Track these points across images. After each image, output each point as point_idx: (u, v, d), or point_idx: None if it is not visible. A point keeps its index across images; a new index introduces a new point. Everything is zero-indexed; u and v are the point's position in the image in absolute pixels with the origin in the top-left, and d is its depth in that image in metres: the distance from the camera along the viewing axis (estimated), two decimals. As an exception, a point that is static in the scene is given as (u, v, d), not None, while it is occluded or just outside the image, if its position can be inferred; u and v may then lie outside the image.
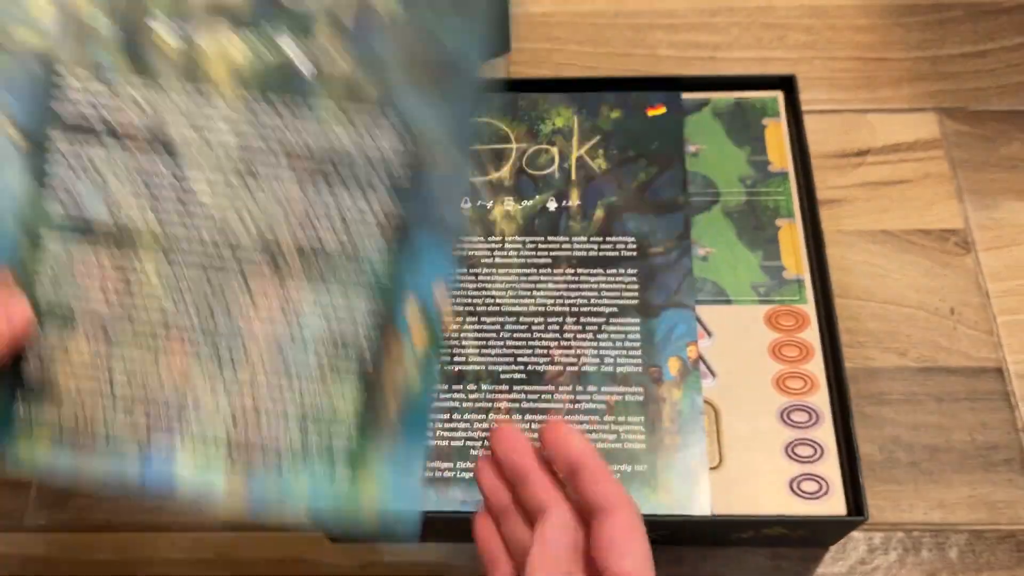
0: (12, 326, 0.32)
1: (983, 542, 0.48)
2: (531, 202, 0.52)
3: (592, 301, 0.49)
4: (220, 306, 0.33)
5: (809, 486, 0.44)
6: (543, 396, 0.47)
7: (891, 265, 0.56)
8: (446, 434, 0.46)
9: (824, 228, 0.51)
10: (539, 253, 0.51)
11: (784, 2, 0.67)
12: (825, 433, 0.46)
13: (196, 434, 0.33)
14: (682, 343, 0.48)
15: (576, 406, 0.46)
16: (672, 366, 0.47)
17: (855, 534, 0.49)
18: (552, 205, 0.52)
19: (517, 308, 0.49)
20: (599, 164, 0.52)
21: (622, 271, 0.50)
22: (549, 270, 0.50)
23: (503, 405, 0.46)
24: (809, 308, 0.49)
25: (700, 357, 0.47)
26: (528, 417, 0.46)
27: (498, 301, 0.49)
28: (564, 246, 0.51)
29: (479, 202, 0.52)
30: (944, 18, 0.66)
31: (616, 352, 0.48)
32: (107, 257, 0.34)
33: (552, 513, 0.32)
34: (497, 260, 0.50)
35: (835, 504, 0.44)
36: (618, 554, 0.30)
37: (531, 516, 0.34)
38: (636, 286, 0.49)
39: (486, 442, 0.43)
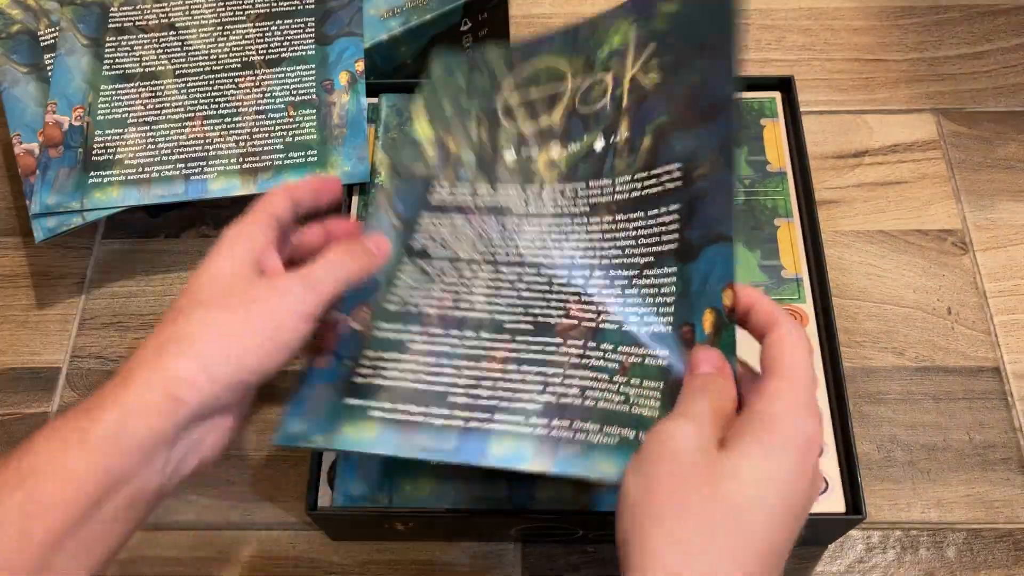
0: (381, 251, 0.42)
1: (980, 541, 0.48)
2: (578, 145, 0.46)
3: (627, 251, 0.43)
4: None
5: (807, 484, 0.44)
6: (547, 348, 0.41)
7: (888, 265, 0.56)
8: (428, 378, 0.41)
9: (822, 228, 0.51)
10: (577, 202, 0.45)
11: (782, 4, 0.67)
12: (823, 431, 0.46)
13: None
14: (717, 289, 0.39)
15: (582, 361, 0.40)
16: (706, 321, 0.39)
17: (853, 533, 0.49)
18: (599, 145, 0.46)
19: (540, 259, 0.44)
20: (651, 78, 0.45)
21: (664, 209, 0.42)
22: (585, 219, 0.45)
23: (499, 354, 0.41)
24: (807, 307, 0.49)
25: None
26: (524, 368, 0.41)
27: (521, 251, 0.45)
28: (606, 190, 0.45)
29: (523, 153, 0.47)
30: (941, 20, 0.66)
31: (645, 309, 0.41)
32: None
33: (697, 350, 0.37)
34: (531, 210, 0.46)
35: (833, 502, 0.44)
36: (776, 357, 0.35)
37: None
38: (677, 225, 0.41)
39: (469, 389, 0.40)
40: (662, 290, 0.41)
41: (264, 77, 0.57)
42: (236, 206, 0.60)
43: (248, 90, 0.56)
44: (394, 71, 0.60)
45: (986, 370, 0.53)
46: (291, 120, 0.55)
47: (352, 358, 0.42)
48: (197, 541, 0.49)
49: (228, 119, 0.55)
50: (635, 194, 0.44)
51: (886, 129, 0.62)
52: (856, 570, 0.48)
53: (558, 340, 0.41)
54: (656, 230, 0.42)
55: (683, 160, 0.42)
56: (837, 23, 0.67)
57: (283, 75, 0.57)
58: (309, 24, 0.59)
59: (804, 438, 0.32)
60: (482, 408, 0.39)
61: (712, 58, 0.41)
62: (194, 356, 0.34)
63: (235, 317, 0.35)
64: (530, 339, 0.42)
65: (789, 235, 0.52)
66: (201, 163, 0.54)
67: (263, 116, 0.55)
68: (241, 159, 0.54)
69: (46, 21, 0.59)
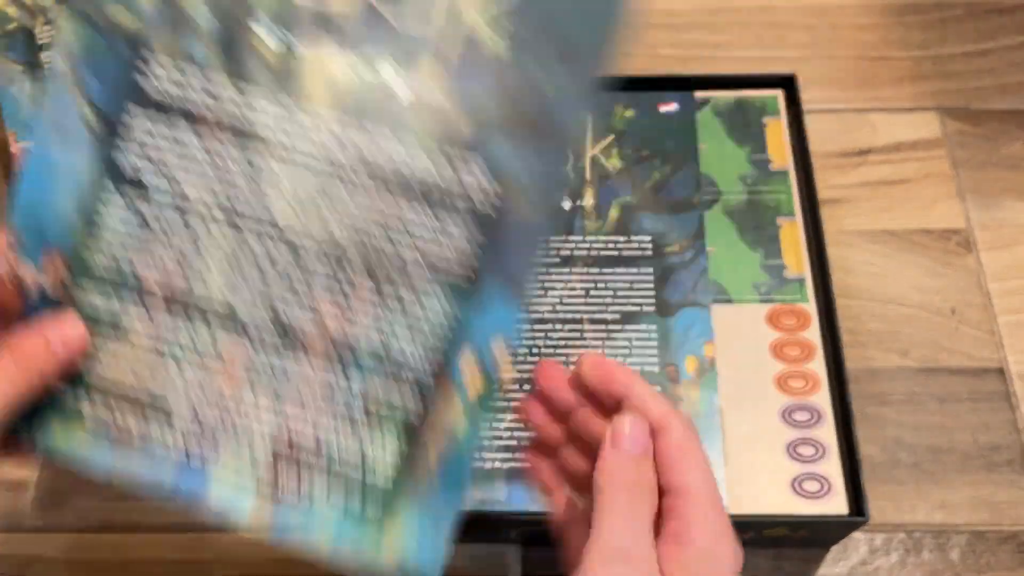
0: (68, 349, 0.32)
1: (985, 543, 0.48)
2: (372, 74, 0.35)
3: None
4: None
5: (811, 485, 0.44)
6: (291, 365, 0.34)
7: (892, 265, 0.56)
8: (149, 380, 0.33)
9: (825, 227, 0.50)
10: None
11: (785, 1, 0.67)
12: (827, 433, 0.45)
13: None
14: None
15: (328, 393, 0.34)
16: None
17: (856, 535, 0.48)
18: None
19: (296, 229, 0.34)
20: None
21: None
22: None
23: (235, 365, 0.33)
24: (810, 307, 0.49)
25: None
26: (261, 390, 0.34)
27: (273, 212, 0.34)
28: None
29: (287, 41, 0.33)
30: (945, 17, 0.66)
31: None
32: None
33: (623, 418, 0.32)
34: (293, 146, 0.35)
35: (837, 504, 0.44)
36: (676, 470, 0.31)
37: (585, 446, 0.35)
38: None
39: (196, 408, 0.33)
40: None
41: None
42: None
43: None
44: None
45: (991, 371, 0.53)
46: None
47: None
48: (196, 543, 0.49)
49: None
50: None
51: (890, 127, 0.61)
52: (859, 572, 0.48)
53: (304, 356, 0.33)
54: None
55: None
56: (840, 21, 0.66)
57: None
58: None
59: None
60: (208, 438, 0.33)
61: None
62: None
63: None
64: (273, 347, 0.33)
65: (791, 234, 0.51)
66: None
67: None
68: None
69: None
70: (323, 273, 0.32)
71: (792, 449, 0.45)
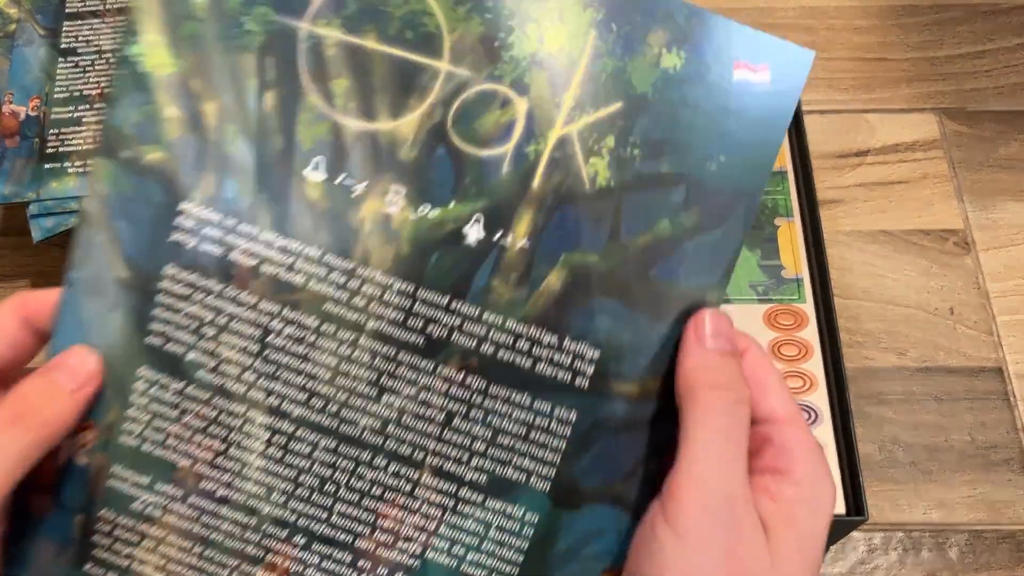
0: (79, 384, 0.28)
1: (983, 542, 0.48)
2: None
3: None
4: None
5: (808, 485, 0.44)
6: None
7: (890, 265, 0.56)
8: None
9: (823, 228, 0.51)
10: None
11: (783, 3, 0.67)
12: (824, 432, 0.46)
13: None
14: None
15: None
16: None
17: (855, 534, 0.48)
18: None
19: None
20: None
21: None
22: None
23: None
24: (808, 307, 0.49)
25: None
26: None
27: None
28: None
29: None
30: (943, 19, 0.66)
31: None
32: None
33: (702, 312, 0.28)
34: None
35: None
36: (764, 393, 0.27)
37: None
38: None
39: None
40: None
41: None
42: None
43: None
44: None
45: (988, 370, 0.53)
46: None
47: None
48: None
49: None
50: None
51: (888, 128, 0.61)
52: (858, 572, 0.48)
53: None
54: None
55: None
56: (838, 22, 0.66)
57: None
58: None
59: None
60: None
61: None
62: None
63: None
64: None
65: (789, 234, 0.51)
66: None
67: None
68: None
69: None
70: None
71: (790, 448, 0.45)
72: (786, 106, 0.28)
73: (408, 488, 0.28)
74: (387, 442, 0.28)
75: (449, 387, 0.28)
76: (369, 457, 0.28)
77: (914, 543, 0.48)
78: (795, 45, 0.28)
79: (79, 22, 0.58)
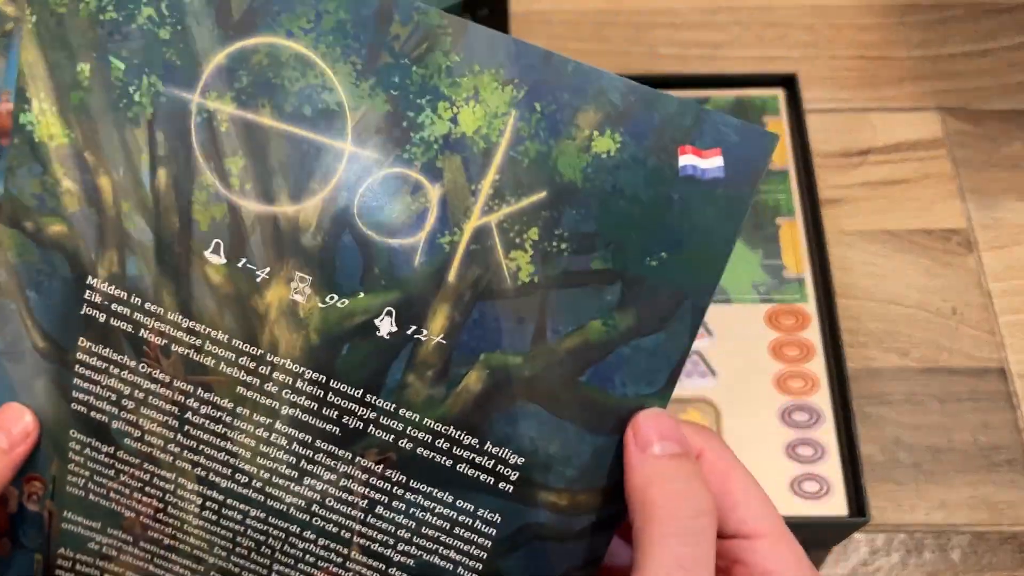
0: (12, 444, 0.27)
1: (985, 543, 0.48)
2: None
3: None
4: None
5: (810, 486, 0.44)
6: None
7: (892, 265, 0.56)
8: None
9: (825, 227, 0.50)
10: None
11: (785, 1, 0.67)
12: (826, 433, 0.45)
13: None
14: None
15: None
16: None
17: (857, 535, 0.48)
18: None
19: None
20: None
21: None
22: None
23: None
24: (810, 307, 0.49)
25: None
26: None
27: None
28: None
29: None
30: (946, 17, 0.66)
31: None
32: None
33: (640, 413, 0.26)
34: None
35: (836, 505, 0.44)
36: (732, 501, 0.24)
37: None
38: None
39: None
40: None
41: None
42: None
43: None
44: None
45: (991, 371, 0.52)
46: None
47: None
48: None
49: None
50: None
51: (890, 127, 0.61)
52: (860, 573, 0.48)
53: None
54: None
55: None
56: (841, 20, 0.66)
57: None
58: None
59: None
60: None
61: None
62: None
63: None
64: None
65: (791, 234, 0.51)
66: None
67: None
68: None
69: None
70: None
71: (791, 450, 0.45)
72: (741, 197, 0.24)
73: (339, 561, 0.28)
74: (314, 519, 0.28)
75: (368, 477, 0.27)
76: (298, 530, 0.28)
77: (916, 544, 0.48)
78: (756, 127, 0.24)
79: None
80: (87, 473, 0.29)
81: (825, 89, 0.63)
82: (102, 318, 0.27)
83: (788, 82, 0.56)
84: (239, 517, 0.28)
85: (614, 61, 0.64)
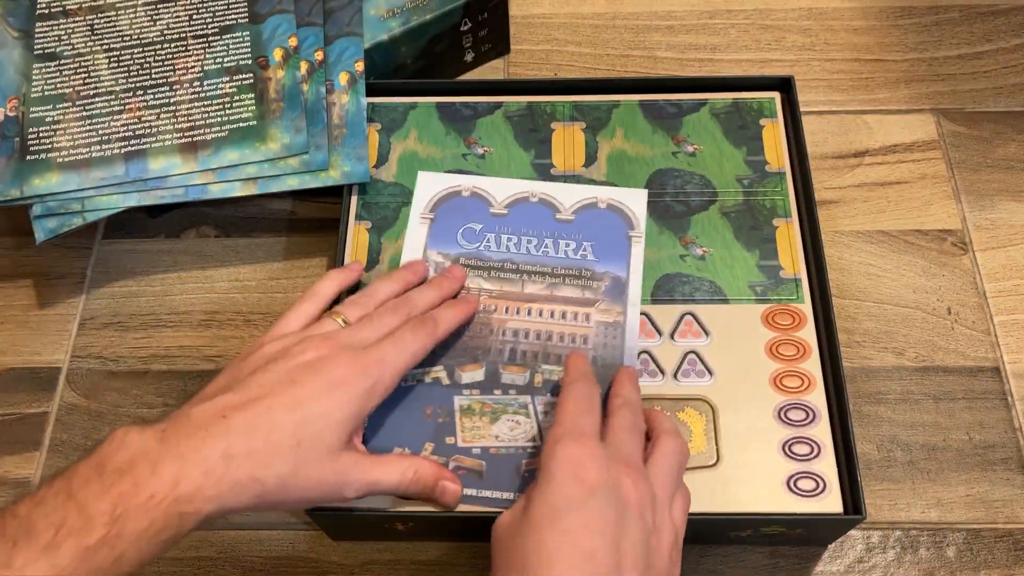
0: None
1: (980, 541, 0.48)
2: None
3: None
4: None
5: (806, 484, 0.44)
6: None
7: (888, 265, 0.56)
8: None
9: (821, 228, 0.51)
10: None
11: (782, 4, 0.67)
12: (822, 431, 0.46)
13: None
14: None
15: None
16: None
17: (853, 533, 0.49)
18: None
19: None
20: None
21: None
22: None
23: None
24: (806, 307, 0.49)
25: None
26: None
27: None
28: None
29: None
30: (941, 20, 0.66)
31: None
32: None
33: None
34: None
35: (832, 502, 0.44)
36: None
37: None
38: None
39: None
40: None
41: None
42: (236, 206, 0.60)
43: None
44: (394, 71, 0.60)
45: (986, 370, 0.53)
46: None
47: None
48: (198, 541, 0.49)
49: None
50: None
51: (886, 129, 0.62)
52: (856, 570, 0.48)
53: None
54: None
55: None
56: (837, 23, 0.67)
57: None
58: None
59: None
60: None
61: None
62: (245, 495, 0.37)
63: (307, 482, 0.39)
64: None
65: (788, 235, 0.52)
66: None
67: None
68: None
69: None
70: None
71: (787, 448, 0.45)
72: None
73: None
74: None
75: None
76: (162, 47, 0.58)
77: (912, 542, 0.49)
78: None
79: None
80: (40, 81, 0.57)
81: (821, 91, 0.63)
82: (48, 12, 0.60)
83: (785, 85, 0.56)
84: (128, 58, 0.57)
85: (613, 64, 0.65)
